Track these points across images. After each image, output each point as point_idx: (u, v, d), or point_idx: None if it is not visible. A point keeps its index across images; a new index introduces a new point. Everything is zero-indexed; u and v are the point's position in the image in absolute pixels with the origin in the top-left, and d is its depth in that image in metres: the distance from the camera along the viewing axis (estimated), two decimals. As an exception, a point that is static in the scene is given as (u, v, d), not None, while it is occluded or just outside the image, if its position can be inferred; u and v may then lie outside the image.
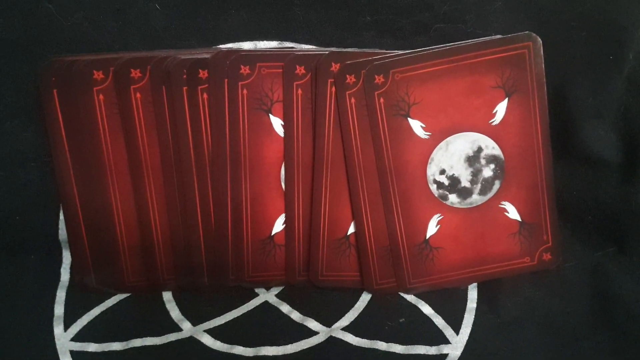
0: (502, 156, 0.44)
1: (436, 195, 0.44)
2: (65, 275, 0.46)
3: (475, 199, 0.44)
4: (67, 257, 0.46)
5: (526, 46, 0.42)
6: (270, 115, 0.43)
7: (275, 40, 0.44)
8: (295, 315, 0.43)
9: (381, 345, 0.41)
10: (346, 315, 0.43)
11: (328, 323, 0.43)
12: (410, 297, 0.45)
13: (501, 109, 0.43)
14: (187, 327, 0.42)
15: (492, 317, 0.43)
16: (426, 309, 0.44)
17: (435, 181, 0.44)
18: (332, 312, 0.43)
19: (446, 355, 0.40)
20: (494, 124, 0.43)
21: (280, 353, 0.40)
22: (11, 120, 0.44)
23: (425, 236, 0.44)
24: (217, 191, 0.43)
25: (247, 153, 0.43)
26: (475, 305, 0.44)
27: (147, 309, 0.44)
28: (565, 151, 0.46)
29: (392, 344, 0.41)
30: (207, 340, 0.41)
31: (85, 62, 0.41)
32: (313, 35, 0.44)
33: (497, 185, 0.44)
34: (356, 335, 0.41)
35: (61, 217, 0.46)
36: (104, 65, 0.41)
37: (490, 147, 0.43)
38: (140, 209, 0.43)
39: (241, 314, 0.44)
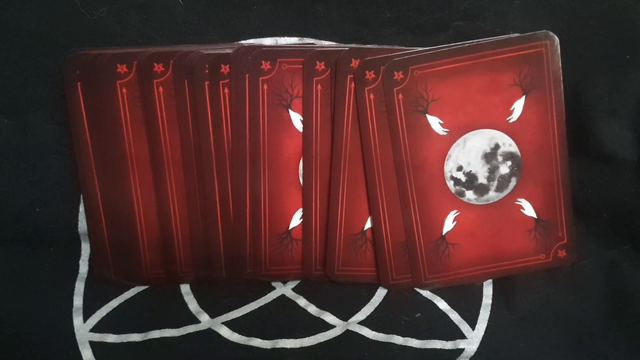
0: (518, 153, 0.44)
1: (453, 191, 0.44)
2: (84, 267, 0.46)
3: (492, 195, 0.45)
4: (85, 250, 0.47)
5: (544, 44, 0.42)
6: (289, 110, 0.43)
7: (295, 36, 0.45)
8: (312, 309, 0.44)
9: (397, 340, 0.41)
10: (362, 309, 0.44)
11: (344, 317, 0.43)
12: (425, 293, 0.45)
13: (518, 106, 0.43)
14: (205, 319, 0.43)
15: (508, 313, 0.43)
16: (442, 305, 0.44)
17: (452, 178, 0.44)
18: (349, 307, 0.44)
19: (462, 349, 0.40)
20: (511, 121, 0.43)
21: (297, 346, 0.41)
22: (35, 112, 0.44)
23: (442, 232, 0.45)
24: (236, 185, 0.44)
25: (266, 148, 0.43)
26: (490, 301, 0.44)
27: (165, 301, 0.44)
28: (582, 149, 0.46)
29: (409, 338, 0.41)
30: (225, 332, 0.42)
31: (109, 55, 0.41)
32: (333, 32, 0.45)
33: (513, 182, 0.44)
34: (372, 329, 0.42)
35: (80, 209, 0.46)
36: (127, 59, 0.41)
37: (508, 144, 0.44)
38: (160, 203, 0.44)
39: (258, 306, 0.44)
